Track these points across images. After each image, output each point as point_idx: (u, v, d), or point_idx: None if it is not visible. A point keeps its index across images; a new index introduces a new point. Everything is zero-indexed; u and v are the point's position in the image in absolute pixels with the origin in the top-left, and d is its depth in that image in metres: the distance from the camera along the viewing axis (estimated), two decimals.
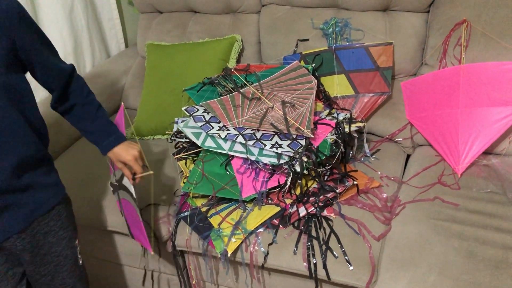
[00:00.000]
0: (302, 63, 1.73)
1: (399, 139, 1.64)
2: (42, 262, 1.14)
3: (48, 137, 1.14)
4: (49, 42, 1.09)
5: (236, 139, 1.41)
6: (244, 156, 1.39)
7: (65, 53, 2.07)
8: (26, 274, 1.16)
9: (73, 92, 1.16)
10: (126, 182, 1.21)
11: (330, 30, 1.69)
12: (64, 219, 1.16)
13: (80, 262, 1.23)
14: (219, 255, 1.30)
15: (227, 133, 1.44)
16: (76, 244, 1.21)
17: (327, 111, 1.52)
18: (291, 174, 1.32)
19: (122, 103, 1.28)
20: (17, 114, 1.00)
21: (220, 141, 1.44)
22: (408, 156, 1.64)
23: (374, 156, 1.57)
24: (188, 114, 1.55)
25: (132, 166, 1.16)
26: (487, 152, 1.48)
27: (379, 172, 1.50)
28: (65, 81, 1.13)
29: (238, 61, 1.90)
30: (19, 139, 1.01)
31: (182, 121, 1.56)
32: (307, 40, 1.75)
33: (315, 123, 1.46)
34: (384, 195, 1.40)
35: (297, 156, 1.32)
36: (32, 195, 1.06)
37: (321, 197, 1.35)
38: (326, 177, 1.39)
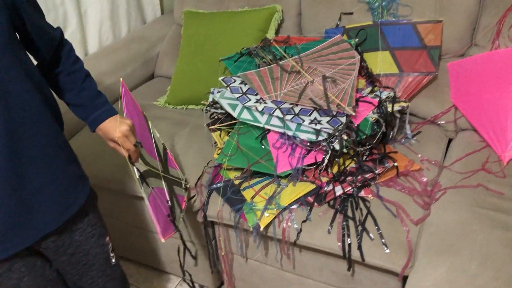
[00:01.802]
0: (345, 37, 1.66)
1: (441, 122, 1.57)
2: (69, 262, 1.07)
3: (62, 119, 1.05)
4: (38, 4, 0.97)
5: (273, 112, 1.37)
6: (281, 130, 1.35)
7: (102, 17, 2.05)
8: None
9: (60, 60, 1.03)
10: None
11: (376, 4, 1.62)
12: (91, 215, 1.08)
13: (113, 261, 1.14)
14: (251, 229, 1.28)
15: (264, 106, 1.40)
16: (107, 241, 1.13)
17: (370, 88, 1.46)
18: (330, 152, 1.28)
19: (121, 78, 1.17)
20: (40, 97, 0.93)
21: (257, 114, 1.41)
22: (450, 140, 1.58)
23: (415, 138, 1.51)
24: (225, 85, 1.52)
25: (121, 144, 1.02)
26: None
27: (419, 155, 1.44)
28: (55, 48, 1.01)
29: (277, 32, 1.84)
30: (45, 125, 0.93)
31: (218, 92, 1.53)
32: (351, 13, 1.68)
33: (357, 101, 1.41)
34: (424, 179, 1.35)
35: (336, 134, 1.28)
36: (62, 189, 0.98)
37: (359, 177, 1.31)
38: (365, 157, 1.35)
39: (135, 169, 1.06)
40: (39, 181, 0.93)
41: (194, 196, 1.39)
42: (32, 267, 1.01)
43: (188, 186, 1.32)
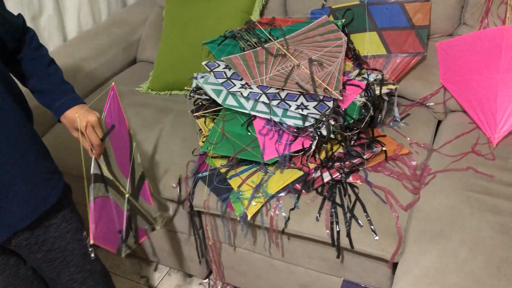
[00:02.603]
0: (331, 18, 1.61)
1: (430, 104, 1.55)
2: (45, 259, 1.02)
3: (32, 113, 1.01)
4: None
5: (259, 98, 1.33)
6: (267, 116, 1.32)
7: (80, 2, 1.97)
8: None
9: (22, 46, 0.99)
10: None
11: None
12: (66, 209, 1.03)
13: (92, 255, 1.06)
14: (238, 218, 1.25)
15: (250, 92, 1.36)
16: (84, 236, 1.08)
17: (357, 71, 1.42)
18: (317, 137, 1.25)
19: (113, 83, 1.07)
20: (6, 89, 0.88)
21: (242, 100, 1.37)
22: (439, 123, 1.55)
23: (403, 121, 1.49)
24: (209, 70, 1.47)
25: (87, 135, 0.96)
26: None
27: (408, 138, 1.42)
28: (19, 35, 0.97)
29: (262, 14, 1.78)
30: (13, 118, 0.89)
31: (202, 77, 1.48)
32: None
33: (344, 84, 1.37)
34: (414, 163, 1.33)
35: (324, 119, 1.24)
36: (34, 185, 0.94)
37: (347, 162, 1.28)
38: (352, 142, 1.32)
39: (94, 164, 0.97)
40: (9, 176, 0.89)
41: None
42: (4, 265, 0.98)
43: (157, 227, 1.23)
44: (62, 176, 1.03)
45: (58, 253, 1.03)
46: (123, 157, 1.10)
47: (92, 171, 0.95)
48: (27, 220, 0.94)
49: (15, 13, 0.99)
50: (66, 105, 0.99)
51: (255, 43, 1.54)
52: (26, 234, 0.97)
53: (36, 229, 0.98)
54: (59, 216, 1.02)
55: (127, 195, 1.09)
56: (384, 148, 1.31)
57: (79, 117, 0.94)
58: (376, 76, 1.40)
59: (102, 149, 0.98)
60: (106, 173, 1.00)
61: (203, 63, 1.49)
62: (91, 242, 0.92)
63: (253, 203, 1.25)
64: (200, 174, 1.36)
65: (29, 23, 1.74)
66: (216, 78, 1.43)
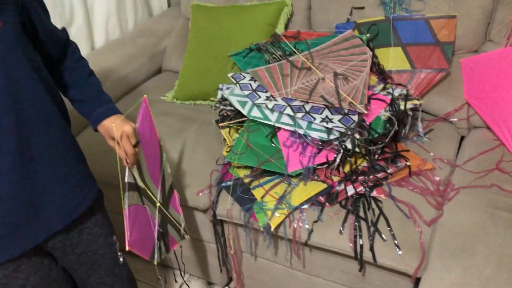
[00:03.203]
0: (356, 32, 1.63)
1: (454, 119, 1.55)
2: (77, 261, 1.06)
3: (70, 119, 1.05)
4: (46, 7, 0.97)
5: (283, 110, 1.35)
6: (292, 128, 1.34)
7: (108, 12, 2.02)
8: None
9: (65, 58, 1.04)
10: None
11: None
12: (99, 214, 1.07)
13: (121, 260, 1.13)
14: (261, 229, 1.27)
15: (275, 104, 1.38)
16: (114, 240, 1.12)
17: (382, 85, 1.44)
18: (341, 151, 1.26)
19: (145, 95, 1.09)
20: (49, 95, 0.92)
21: (267, 112, 1.39)
22: (463, 138, 1.55)
23: (427, 136, 1.49)
24: (234, 81, 1.49)
25: (122, 144, 0.98)
26: None
27: (431, 153, 1.42)
28: (62, 48, 1.02)
29: (287, 27, 1.81)
30: (54, 122, 0.93)
31: (227, 88, 1.51)
32: (363, 8, 1.65)
33: (369, 98, 1.38)
34: (437, 178, 1.33)
35: (348, 133, 1.26)
36: (71, 188, 0.97)
37: (371, 176, 1.29)
38: (377, 156, 1.33)
39: (128, 173, 0.98)
40: (47, 179, 0.92)
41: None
42: (38, 266, 1.01)
43: (186, 237, 1.25)
44: (95, 182, 1.06)
45: (90, 256, 1.07)
46: (154, 167, 1.13)
47: (126, 180, 0.98)
48: (63, 222, 0.97)
49: None
50: (103, 114, 1.02)
51: (280, 56, 1.57)
52: (61, 236, 1.00)
53: (71, 232, 1.02)
54: (92, 220, 1.05)
55: (158, 204, 1.12)
56: (408, 163, 1.32)
57: (115, 127, 0.97)
58: (401, 91, 1.41)
59: (136, 158, 1.01)
60: (139, 182, 1.03)
61: (229, 74, 1.52)
62: (127, 248, 0.95)
63: (277, 214, 1.27)
64: (224, 184, 1.39)
65: None
66: (242, 90, 1.45)
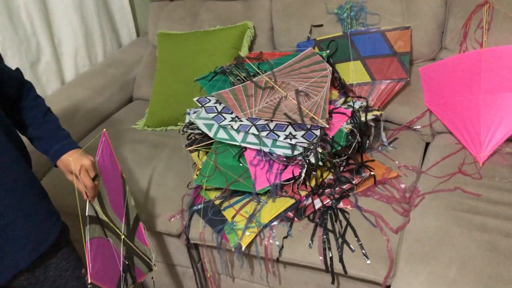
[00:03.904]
0: (316, 49, 1.68)
1: (417, 127, 1.59)
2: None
3: (30, 156, 1.07)
4: None
5: (249, 130, 1.38)
6: (258, 147, 1.36)
7: (76, 45, 2.05)
8: None
9: (21, 97, 1.06)
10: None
11: (345, 14, 1.63)
12: (65, 248, 1.07)
13: None
14: (233, 249, 1.28)
15: (240, 124, 1.40)
16: (82, 273, 1.11)
17: (343, 99, 1.47)
18: (306, 165, 1.29)
19: (105, 129, 1.11)
20: (6, 135, 0.94)
21: (233, 133, 1.41)
22: (427, 145, 1.59)
23: (391, 145, 1.52)
24: (200, 105, 1.52)
25: (81, 178, 0.99)
26: (510, 140, 1.41)
27: (397, 162, 1.45)
28: (18, 87, 1.04)
29: (250, 49, 1.85)
30: (14, 161, 0.94)
31: (194, 112, 1.53)
32: (321, 25, 1.70)
33: (330, 112, 1.42)
34: (402, 186, 1.36)
35: (311, 147, 1.28)
36: (34, 225, 0.97)
37: (337, 188, 1.31)
38: (342, 168, 1.36)
39: (89, 206, 0.99)
40: (9, 219, 0.92)
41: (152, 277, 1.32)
42: None
43: (154, 269, 1.25)
44: (59, 217, 1.07)
45: None
46: (117, 200, 1.14)
47: (87, 213, 0.98)
48: (27, 260, 0.97)
49: (15, 60, 1.06)
50: (62, 150, 1.03)
51: (244, 77, 1.60)
52: (26, 275, 1.00)
53: (36, 269, 1.01)
54: (58, 255, 1.05)
55: (122, 237, 1.12)
56: (372, 173, 1.34)
57: (72, 161, 0.99)
58: (361, 103, 1.45)
59: (96, 191, 1.01)
60: (101, 215, 1.04)
61: (195, 99, 1.54)
62: (89, 280, 0.95)
63: (247, 233, 1.28)
64: (195, 207, 1.40)
65: (27, 70, 1.82)
66: (207, 113, 1.48)
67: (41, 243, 0.99)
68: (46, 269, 1.03)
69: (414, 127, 1.59)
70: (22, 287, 1.01)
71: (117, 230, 1.10)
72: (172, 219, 1.41)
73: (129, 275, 1.16)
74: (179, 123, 1.69)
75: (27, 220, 0.96)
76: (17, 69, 1.07)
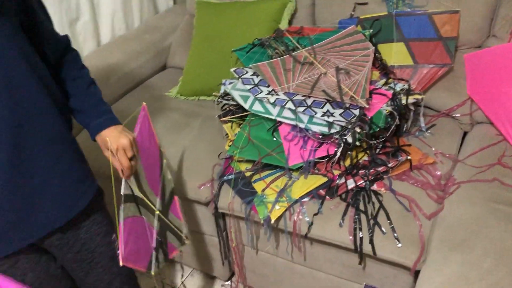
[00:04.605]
0: (359, 28, 1.63)
1: (457, 115, 1.54)
2: (74, 259, 1.05)
3: (71, 116, 1.05)
4: (47, 11, 0.98)
5: (285, 104, 1.36)
6: (293, 123, 1.34)
7: (114, 8, 2.04)
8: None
9: (66, 65, 1.03)
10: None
11: None
12: (98, 213, 1.07)
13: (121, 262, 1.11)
14: (261, 221, 1.28)
15: (276, 98, 1.39)
16: (113, 239, 1.11)
17: (384, 80, 1.44)
18: (342, 144, 1.27)
19: (144, 103, 1.09)
20: (46, 93, 0.92)
21: (269, 106, 1.40)
22: (465, 134, 1.55)
23: (429, 131, 1.49)
24: (237, 76, 1.50)
25: (118, 157, 0.97)
26: None
27: (433, 148, 1.42)
28: (61, 52, 1.02)
29: (290, 23, 1.81)
30: (51, 120, 0.93)
31: (230, 83, 1.52)
32: (366, 3, 1.65)
33: (370, 93, 1.39)
34: (438, 173, 1.33)
35: (349, 127, 1.26)
36: (68, 186, 0.97)
37: (372, 170, 1.30)
38: (378, 150, 1.33)
39: (124, 185, 0.99)
40: (43, 178, 0.92)
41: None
42: (36, 263, 1.02)
43: (186, 242, 1.25)
44: (95, 181, 1.07)
45: (87, 254, 1.07)
46: (153, 174, 1.13)
47: (122, 192, 0.98)
48: (61, 220, 0.98)
49: (56, 18, 1.04)
50: (102, 125, 1.01)
51: (283, 51, 1.58)
52: (58, 235, 1.01)
53: (68, 231, 1.02)
54: (90, 219, 1.05)
55: (157, 213, 1.12)
56: (409, 157, 1.32)
57: (109, 140, 0.98)
58: (403, 86, 1.41)
59: (132, 171, 1.01)
60: (137, 192, 1.04)
61: (232, 69, 1.53)
62: (121, 263, 0.95)
63: (277, 207, 1.28)
64: (225, 177, 1.40)
65: (66, 28, 1.82)
66: (244, 84, 1.46)
67: (76, 204, 1.00)
68: (78, 231, 1.03)
69: (454, 115, 1.55)
70: (53, 246, 1.02)
71: (152, 206, 1.10)
72: (202, 187, 1.41)
73: (161, 252, 1.16)
74: (213, 94, 1.68)
75: (63, 179, 0.96)
76: (66, 36, 1.06)
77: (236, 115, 1.50)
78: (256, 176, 1.37)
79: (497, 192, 1.23)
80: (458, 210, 1.21)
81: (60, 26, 1.80)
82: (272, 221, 1.26)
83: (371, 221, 1.20)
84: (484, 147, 1.40)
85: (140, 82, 1.99)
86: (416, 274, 1.16)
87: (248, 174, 1.38)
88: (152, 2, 2.27)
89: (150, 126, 1.13)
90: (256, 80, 1.48)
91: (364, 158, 1.33)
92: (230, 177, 1.39)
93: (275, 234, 1.38)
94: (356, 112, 1.30)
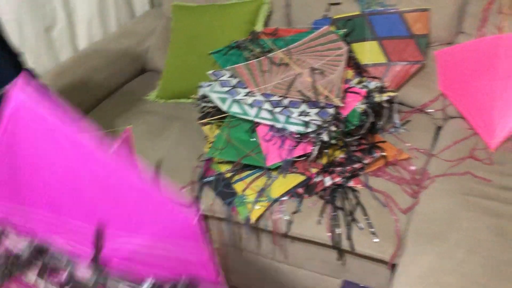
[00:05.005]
0: (333, 28, 1.66)
1: (430, 110, 1.59)
2: None
3: None
4: None
5: (262, 105, 1.38)
6: (271, 123, 1.36)
7: (90, 14, 2.04)
8: None
9: None
10: None
11: None
12: None
13: None
14: (242, 222, 1.30)
15: (254, 99, 1.41)
16: None
17: (358, 79, 1.47)
18: (319, 143, 1.29)
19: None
20: None
21: (246, 107, 1.42)
22: (439, 129, 1.59)
23: (403, 127, 1.53)
24: (214, 78, 1.52)
25: None
26: None
27: (408, 144, 1.46)
28: None
29: (266, 24, 1.83)
30: None
31: (208, 85, 1.53)
32: (339, 3, 1.68)
33: (345, 91, 1.41)
34: (413, 168, 1.36)
35: (325, 125, 1.29)
36: None
37: (348, 167, 1.32)
38: (353, 147, 1.36)
39: None
40: None
41: None
42: None
43: None
44: None
45: None
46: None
47: None
48: None
49: (31, 25, 1.00)
50: None
51: (259, 52, 1.60)
52: None
53: None
54: None
55: None
56: (384, 154, 1.35)
57: None
58: (376, 83, 1.44)
59: None
60: None
61: (209, 72, 1.54)
62: None
63: (257, 206, 1.30)
64: (206, 179, 1.41)
65: (42, 35, 1.81)
66: (222, 87, 1.48)
67: None
68: None
69: (427, 111, 1.59)
70: None
71: None
72: (183, 190, 1.42)
73: None
74: (191, 96, 1.69)
75: None
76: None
77: (215, 117, 1.52)
78: (237, 177, 1.38)
79: (469, 185, 1.27)
80: (432, 204, 1.24)
81: (36, 33, 1.79)
82: (253, 221, 1.28)
83: (349, 217, 1.23)
84: (457, 141, 1.45)
85: (118, 86, 1.99)
86: (394, 267, 1.19)
87: (228, 175, 1.40)
88: (128, 6, 2.27)
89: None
90: (234, 82, 1.49)
91: (340, 155, 1.35)
92: (210, 178, 1.41)
93: (257, 233, 1.40)
94: (331, 111, 1.33)
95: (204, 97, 1.55)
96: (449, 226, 1.16)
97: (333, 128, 1.29)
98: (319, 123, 1.30)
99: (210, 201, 1.37)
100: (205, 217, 1.48)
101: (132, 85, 2.00)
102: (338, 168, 1.33)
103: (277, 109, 1.36)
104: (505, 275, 1.02)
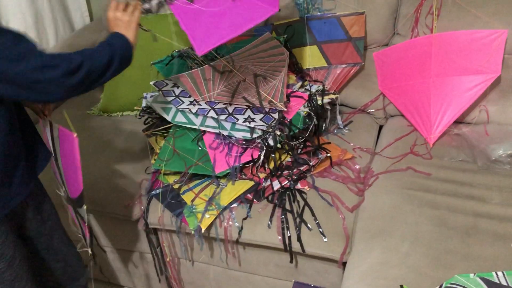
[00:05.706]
0: (274, 34, 1.69)
1: (371, 110, 1.64)
2: (42, 219, 1.14)
3: None
4: None
5: (207, 113, 1.38)
6: (216, 131, 1.36)
7: (26, 27, 1.96)
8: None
9: None
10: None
11: (302, 0, 1.65)
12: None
13: None
14: (192, 232, 1.28)
15: (198, 108, 1.40)
16: None
17: (300, 83, 1.50)
18: (265, 148, 1.30)
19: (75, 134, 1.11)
20: None
21: (191, 116, 1.41)
22: (381, 127, 1.64)
23: (347, 127, 1.57)
24: (157, 89, 1.50)
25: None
26: (458, 121, 1.49)
27: (352, 144, 1.49)
28: None
29: None
30: None
31: (151, 96, 1.51)
32: (279, 10, 1.70)
33: (288, 96, 1.43)
34: (357, 167, 1.40)
35: (270, 130, 1.30)
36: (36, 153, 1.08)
37: (295, 170, 1.34)
38: (299, 150, 1.38)
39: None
40: None
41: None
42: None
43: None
44: None
45: (50, 215, 1.18)
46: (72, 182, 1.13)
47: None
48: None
49: None
50: None
51: (202, 61, 1.59)
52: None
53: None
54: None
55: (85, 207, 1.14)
56: (328, 155, 1.38)
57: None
58: (318, 87, 1.47)
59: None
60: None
61: (151, 82, 1.52)
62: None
63: (207, 215, 1.28)
64: (153, 192, 1.39)
65: None
66: (165, 97, 1.46)
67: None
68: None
69: (368, 111, 1.64)
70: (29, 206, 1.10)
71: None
72: (130, 205, 1.39)
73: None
74: (135, 108, 1.66)
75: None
76: None
77: (159, 128, 1.50)
78: (185, 188, 1.37)
79: (411, 180, 1.31)
80: (377, 200, 1.28)
81: None
82: (203, 231, 1.27)
83: (297, 219, 1.24)
84: (398, 139, 1.50)
85: (60, 101, 1.92)
86: (345, 265, 1.21)
87: (176, 186, 1.38)
88: (67, 19, 2.20)
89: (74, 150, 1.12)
90: (177, 91, 1.48)
91: (287, 159, 1.37)
92: (158, 191, 1.38)
93: (208, 243, 1.39)
94: (276, 115, 1.34)
95: (148, 108, 1.53)
96: (394, 220, 1.19)
97: (278, 133, 1.30)
98: (264, 128, 1.31)
99: (158, 214, 1.35)
100: (155, 231, 1.46)
101: (74, 99, 1.93)
102: (286, 172, 1.34)
103: (222, 117, 1.36)
104: (446, 263, 1.06)
